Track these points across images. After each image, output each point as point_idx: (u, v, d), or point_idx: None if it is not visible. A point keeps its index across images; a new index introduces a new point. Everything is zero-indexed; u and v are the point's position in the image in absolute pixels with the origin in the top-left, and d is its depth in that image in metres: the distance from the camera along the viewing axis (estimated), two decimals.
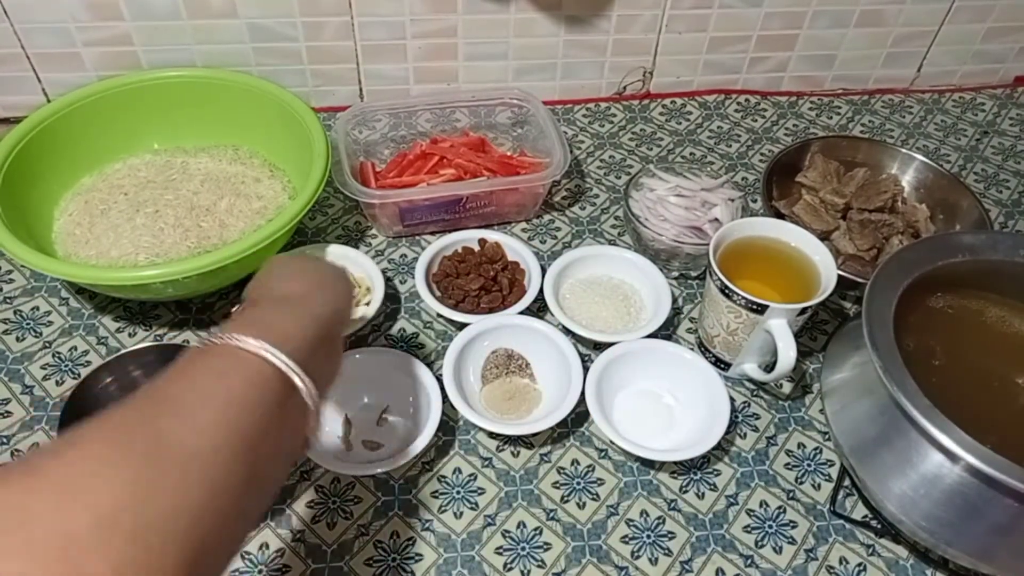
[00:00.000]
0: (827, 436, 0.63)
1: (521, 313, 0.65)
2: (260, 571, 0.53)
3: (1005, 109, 0.97)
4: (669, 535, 0.56)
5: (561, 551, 0.55)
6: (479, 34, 0.86)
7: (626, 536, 0.56)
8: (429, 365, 0.62)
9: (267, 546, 0.54)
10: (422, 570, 0.54)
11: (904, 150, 0.80)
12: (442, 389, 0.60)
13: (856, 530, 0.57)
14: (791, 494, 0.59)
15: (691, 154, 0.88)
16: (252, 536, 0.55)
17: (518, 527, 0.56)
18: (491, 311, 0.66)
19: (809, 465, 0.61)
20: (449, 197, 0.73)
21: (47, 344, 0.66)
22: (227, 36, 0.82)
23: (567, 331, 0.65)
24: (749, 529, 0.57)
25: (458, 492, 0.58)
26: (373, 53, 0.86)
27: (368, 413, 0.62)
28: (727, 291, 0.58)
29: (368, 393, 0.62)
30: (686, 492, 0.59)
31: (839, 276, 0.59)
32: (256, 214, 0.72)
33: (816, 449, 0.62)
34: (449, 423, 0.62)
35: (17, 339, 0.67)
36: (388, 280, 0.72)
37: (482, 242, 0.72)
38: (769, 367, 0.60)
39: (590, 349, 0.67)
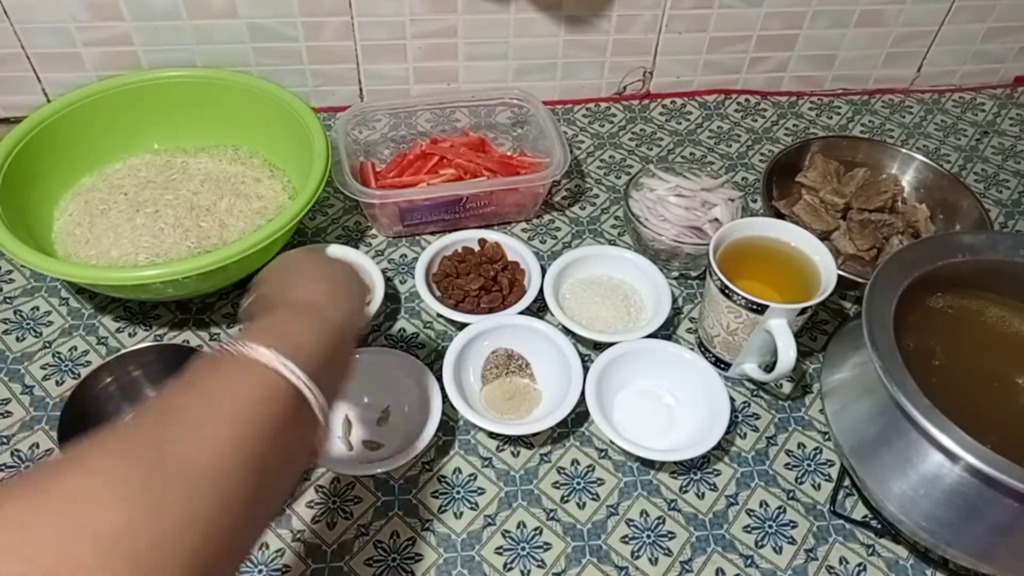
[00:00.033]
0: (827, 436, 0.63)
1: (521, 313, 0.65)
2: (260, 571, 0.53)
3: (1005, 109, 0.97)
4: (669, 535, 0.56)
5: (561, 551, 0.55)
6: (479, 34, 0.86)
7: (626, 536, 0.56)
8: (429, 365, 0.62)
9: (267, 546, 0.54)
10: (422, 570, 0.54)
11: (904, 150, 0.80)
12: (442, 389, 0.60)
13: (856, 530, 0.57)
14: (791, 494, 0.59)
15: (691, 154, 0.88)
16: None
17: (518, 527, 0.56)
18: (491, 311, 0.66)
19: (809, 465, 0.61)
20: (449, 197, 0.73)
21: (47, 344, 0.66)
22: (227, 36, 0.82)
23: (567, 331, 0.65)
24: (749, 529, 0.57)
25: (458, 492, 0.58)
26: (373, 53, 0.86)
27: (368, 413, 0.62)
28: (727, 291, 0.58)
29: (368, 393, 0.62)
30: (686, 492, 0.59)
31: (839, 276, 0.59)
32: (256, 214, 0.72)
33: (816, 449, 0.62)
34: (449, 423, 0.62)
35: (17, 339, 0.67)
36: (388, 280, 0.72)
37: (482, 242, 0.72)
38: (769, 367, 0.60)
39: (590, 349, 0.67)
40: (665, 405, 0.63)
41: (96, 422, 0.56)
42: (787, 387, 0.66)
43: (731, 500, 0.58)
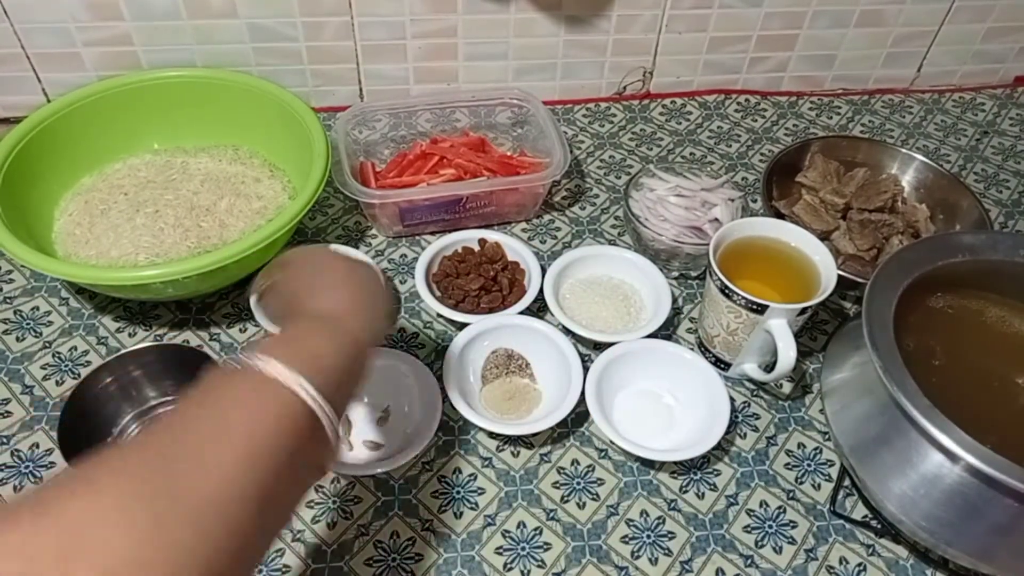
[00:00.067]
0: (827, 436, 0.63)
1: (521, 313, 0.65)
2: (260, 571, 0.53)
3: (1005, 109, 0.97)
4: (669, 535, 0.56)
5: (561, 551, 0.55)
6: (479, 34, 0.86)
7: (626, 536, 0.56)
8: (429, 365, 0.62)
9: None
10: (422, 570, 0.54)
11: (904, 150, 0.80)
12: (442, 389, 0.60)
13: (856, 530, 0.57)
14: (791, 494, 0.59)
15: (691, 154, 0.88)
16: None
17: (518, 527, 0.56)
18: (491, 311, 0.66)
19: (809, 465, 0.61)
20: (449, 197, 0.73)
21: (47, 344, 0.66)
22: (227, 36, 0.82)
23: (567, 331, 0.65)
24: (749, 529, 0.57)
25: (458, 492, 0.58)
26: (373, 53, 0.86)
27: (368, 413, 0.62)
28: (727, 291, 0.58)
29: (368, 393, 0.62)
30: (686, 492, 0.59)
31: (839, 276, 0.59)
32: (256, 214, 0.72)
33: (816, 449, 0.62)
34: (449, 423, 0.62)
35: (17, 339, 0.67)
36: (388, 280, 0.72)
37: (482, 242, 0.72)
38: (769, 367, 0.60)
39: (590, 349, 0.67)
40: (665, 405, 0.63)
41: (96, 422, 0.56)
42: (787, 387, 0.66)
43: (731, 500, 0.58)
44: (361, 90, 0.90)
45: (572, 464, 0.60)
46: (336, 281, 0.46)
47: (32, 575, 0.26)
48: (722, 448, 0.61)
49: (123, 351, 0.58)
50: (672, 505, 0.58)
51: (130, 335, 0.67)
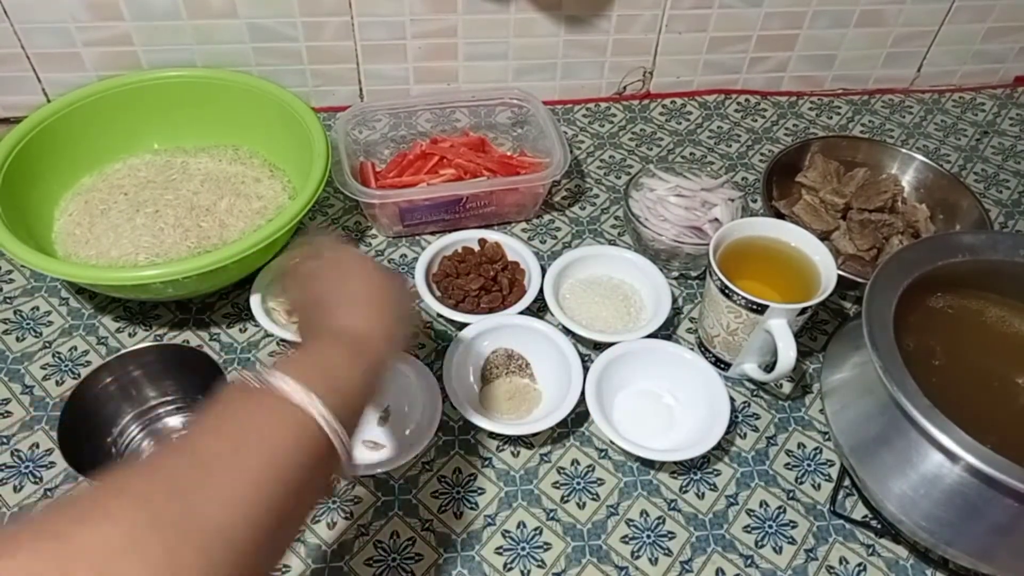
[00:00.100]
0: (827, 436, 0.63)
1: (521, 313, 0.65)
2: None
3: (1005, 109, 0.97)
4: (669, 535, 0.56)
5: (561, 551, 0.55)
6: (479, 34, 0.86)
7: (626, 536, 0.56)
8: (429, 365, 0.62)
9: None
10: (422, 570, 0.54)
11: (904, 150, 0.80)
12: (442, 389, 0.60)
13: (856, 530, 0.57)
14: (791, 494, 0.59)
15: (691, 154, 0.88)
16: None
17: (518, 527, 0.56)
18: (491, 311, 0.66)
19: (809, 465, 0.61)
20: (449, 197, 0.73)
21: (47, 344, 0.66)
22: (227, 36, 0.82)
23: (567, 331, 0.65)
24: (749, 529, 0.57)
25: (458, 492, 0.58)
26: (373, 53, 0.86)
27: (368, 413, 0.62)
28: (727, 291, 0.58)
29: None
30: (686, 492, 0.59)
31: (839, 276, 0.59)
32: (256, 214, 0.72)
33: (816, 449, 0.62)
34: (449, 423, 0.62)
35: (17, 339, 0.67)
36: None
37: (482, 242, 0.72)
38: (769, 367, 0.60)
39: (590, 349, 0.67)
40: (665, 405, 0.63)
41: (96, 422, 0.56)
42: (787, 387, 0.66)
43: (731, 500, 0.58)
44: (361, 90, 0.90)
45: (572, 464, 0.60)
46: (367, 296, 0.46)
47: None
48: (722, 448, 0.61)
49: (123, 351, 0.58)
50: (672, 505, 0.58)
51: (130, 335, 0.67)
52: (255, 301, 0.65)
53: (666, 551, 0.55)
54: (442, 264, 0.71)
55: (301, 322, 0.49)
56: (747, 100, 0.96)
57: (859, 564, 0.55)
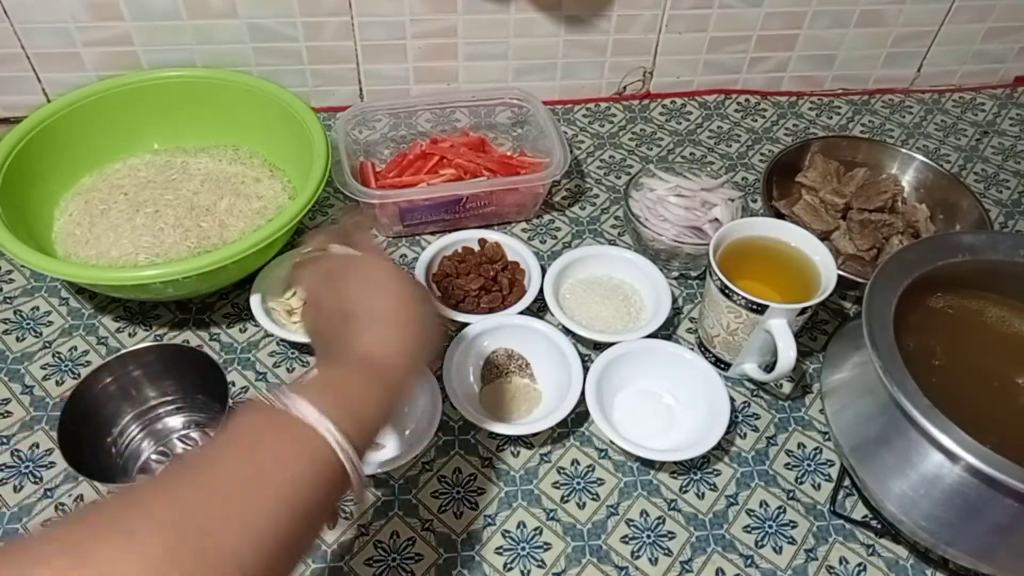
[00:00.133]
0: (827, 436, 0.63)
1: (521, 313, 0.65)
2: None
3: (1005, 109, 0.97)
4: (669, 535, 0.56)
5: (561, 551, 0.55)
6: (479, 34, 0.86)
7: (626, 536, 0.56)
8: (429, 365, 0.62)
9: None
10: (422, 570, 0.54)
11: (904, 150, 0.80)
12: (442, 389, 0.60)
13: (856, 530, 0.57)
14: (791, 494, 0.59)
15: (691, 154, 0.88)
16: None
17: (518, 527, 0.56)
18: (491, 311, 0.66)
19: (809, 465, 0.61)
20: (449, 197, 0.73)
21: (47, 344, 0.66)
22: (227, 36, 0.82)
23: (567, 331, 0.65)
24: (749, 529, 0.57)
25: (459, 492, 0.58)
26: (373, 53, 0.86)
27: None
28: (727, 291, 0.58)
29: None
30: (686, 492, 0.59)
31: (839, 276, 0.59)
32: (256, 214, 0.72)
33: (816, 449, 0.62)
34: (449, 423, 0.62)
35: (17, 339, 0.67)
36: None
37: (482, 242, 0.72)
38: (769, 367, 0.60)
39: (590, 349, 0.67)
40: (665, 405, 0.63)
41: (96, 422, 0.56)
42: (787, 387, 0.66)
43: (731, 500, 0.58)
44: (361, 90, 0.90)
45: (572, 464, 0.60)
46: (392, 314, 0.44)
47: None
48: (722, 448, 0.61)
49: (123, 351, 0.58)
50: (672, 505, 0.58)
51: (130, 335, 0.67)
52: (255, 301, 0.65)
53: (666, 551, 0.55)
54: (442, 264, 0.71)
55: (318, 326, 0.47)
56: (747, 100, 0.96)
57: (859, 564, 0.55)
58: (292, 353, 0.67)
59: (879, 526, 0.56)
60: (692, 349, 0.66)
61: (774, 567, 0.55)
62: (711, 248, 0.60)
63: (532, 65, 0.90)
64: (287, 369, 0.65)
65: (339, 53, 0.86)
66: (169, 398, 0.60)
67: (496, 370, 0.64)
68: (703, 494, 0.59)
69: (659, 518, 0.57)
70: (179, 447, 0.59)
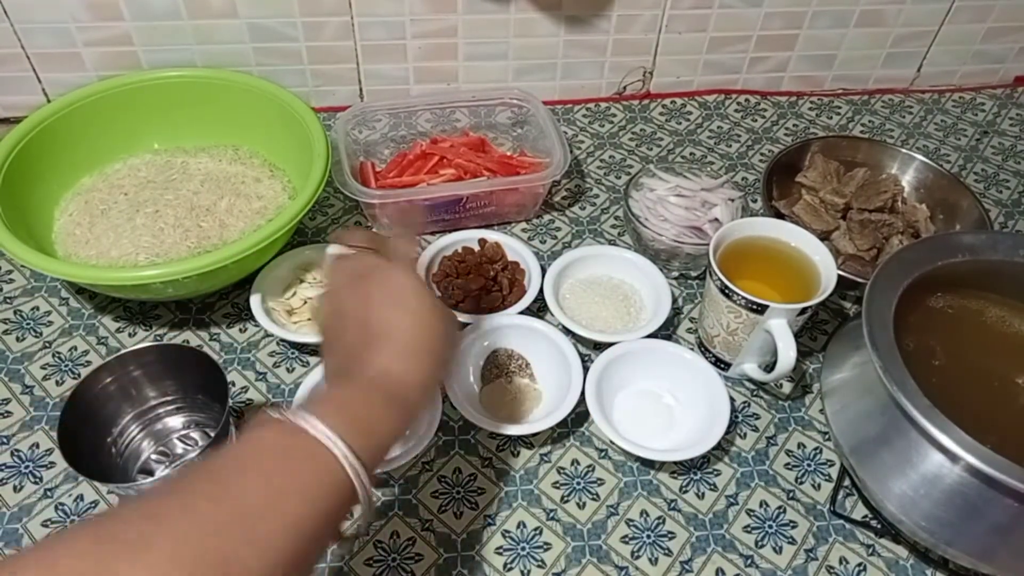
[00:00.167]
0: (827, 436, 0.63)
1: (521, 313, 0.65)
2: None
3: (1005, 109, 0.97)
4: (669, 535, 0.56)
5: (561, 551, 0.55)
6: (479, 34, 0.86)
7: (626, 536, 0.56)
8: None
9: None
10: (422, 570, 0.54)
11: (904, 150, 0.80)
12: (442, 389, 0.60)
13: (856, 530, 0.57)
14: (791, 494, 0.59)
15: (691, 154, 0.88)
16: None
17: (518, 527, 0.56)
18: (491, 311, 0.66)
19: (809, 465, 0.61)
20: (449, 197, 0.73)
21: (47, 344, 0.66)
22: (227, 36, 0.82)
23: (567, 331, 0.65)
24: (749, 529, 0.57)
25: (458, 492, 0.58)
26: (373, 53, 0.86)
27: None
28: (727, 291, 0.58)
29: None
30: (686, 492, 0.59)
31: (839, 276, 0.59)
32: (256, 214, 0.72)
33: (816, 449, 0.62)
34: (449, 423, 0.62)
35: (17, 339, 0.67)
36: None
37: (482, 242, 0.72)
38: (769, 367, 0.60)
39: (590, 349, 0.67)
40: (665, 405, 0.63)
41: (96, 422, 0.56)
42: (787, 387, 0.66)
43: (731, 500, 0.58)
44: (361, 90, 0.90)
45: (572, 464, 0.60)
46: (414, 338, 0.44)
47: None
48: (722, 448, 0.61)
49: (123, 351, 0.58)
50: (672, 505, 0.58)
51: (130, 335, 0.67)
52: (255, 301, 0.65)
53: (666, 551, 0.55)
54: (442, 264, 0.71)
55: (333, 327, 0.47)
56: (747, 100, 0.96)
57: (859, 564, 0.55)
58: (292, 353, 0.67)
59: (879, 526, 0.56)
60: (692, 349, 0.66)
61: (774, 567, 0.55)
62: (711, 248, 0.60)
63: (532, 65, 0.90)
64: (287, 369, 0.65)
65: (339, 53, 0.86)
66: (169, 398, 0.60)
67: (496, 370, 0.64)
68: (703, 494, 0.59)
69: (659, 518, 0.57)
70: (179, 447, 0.59)
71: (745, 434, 0.62)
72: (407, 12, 0.83)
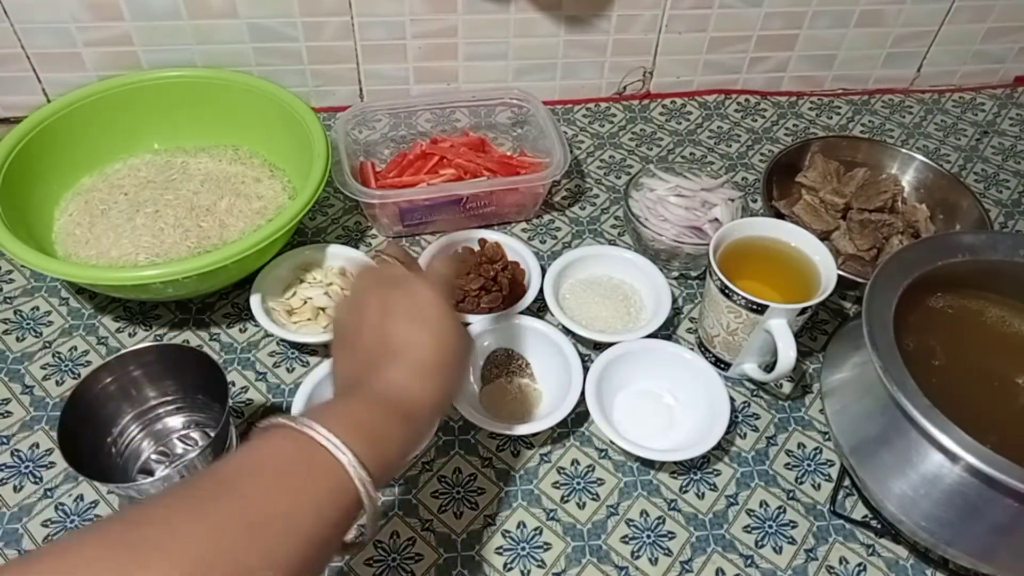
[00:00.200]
0: (827, 436, 0.63)
1: (521, 313, 0.65)
2: None
3: (1005, 109, 0.97)
4: (669, 535, 0.56)
5: (561, 551, 0.55)
6: (479, 34, 0.86)
7: (626, 536, 0.56)
8: None
9: None
10: (422, 570, 0.54)
11: (904, 150, 0.80)
12: None
13: (856, 530, 0.57)
14: (791, 494, 0.59)
15: (691, 154, 0.88)
16: None
17: (518, 527, 0.56)
18: (491, 311, 0.66)
19: (809, 465, 0.61)
20: (449, 197, 0.73)
21: (47, 344, 0.66)
22: (227, 36, 0.82)
23: (567, 331, 0.65)
24: (749, 529, 0.57)
25: (459, 492, 0.58)
26: (373, 53, 0.86)
27: None
28: (727, 291, 0.58)
29: None
30: (686, 492, 0.59)
31: (839, 276, 0.59)
32: (256, 214, 0.72)
33: (816, 449, 0.62)
34: (449, 423, 0.62)
35: (17, 339, 0.67)
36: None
37: (482, 242, 0.72)
38: (769, 367, 0.60)
39: (590, 349, 0.67)
40: (665, 405, 0.63)
41: (96, 422, 0.56)
42: (787, 387, 0.66)
43: (731, 500, 0.58)
44: (361, 90, 0.90)
45: (572, 464, 0.60)
46: (435, 358, 0.44)
47: None
48: (722, 448, 0.61)
49: (123, 351, 0.58)
50: (672, 505, 0.58)
51: (130, 335, 0.67)
52: (255, 301, 0.65)
53: (666, 551, 0.55)
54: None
55: (352, 334, 0.46)
56: (747, 100, 0.96)
57: (859, 564, 0.55)
58: (292, 353, 0.67)
59: (879, 526, 0.56)
60: (692, 349, 0.66)
61: (774, 567, 0.55)
62: (711, 248, 0.60)
63: (532, 65, 0.90)
64: (287, 369, 0.65)
65: (339, 53, 0.86)
66: (169, 398, 0.60)
67: (496, 370, 0.64)
68: (703, 494, 0.59)
69: (659, 518, 0.57)
70: (179, 447, 0.59)
71: (745, 434, 0.62)
72: (407, 12, 0.83)
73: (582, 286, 0.70)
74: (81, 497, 0.57)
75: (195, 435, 0.60)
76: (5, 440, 0.60)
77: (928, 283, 0.57)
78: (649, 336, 0.64)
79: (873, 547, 0.56)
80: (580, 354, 0.62)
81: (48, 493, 0.57)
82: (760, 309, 0.57)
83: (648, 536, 0.56)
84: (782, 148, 0.79)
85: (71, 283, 0.70)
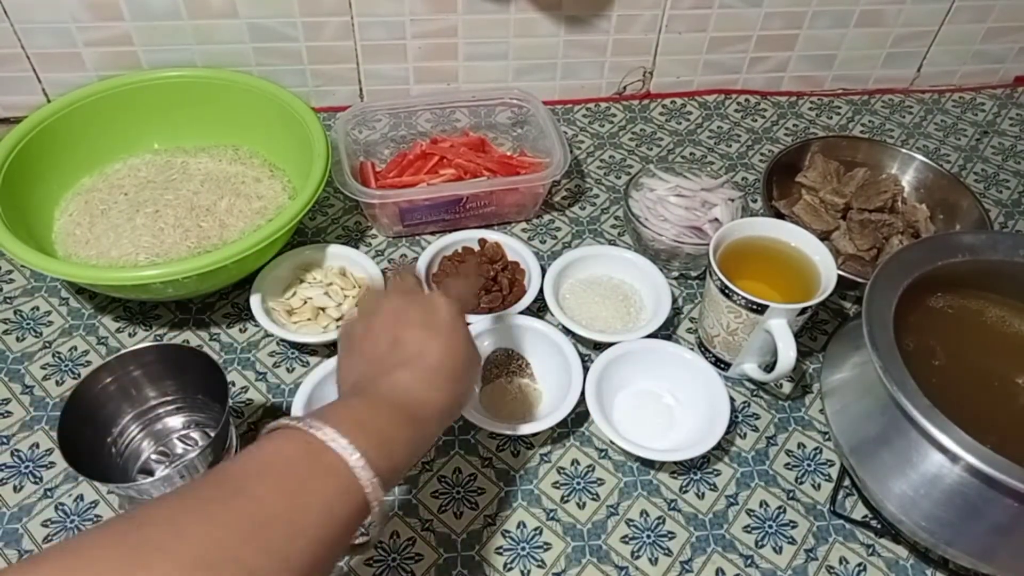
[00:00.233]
0: (827, 436, 0.63)
1: (521, 313, 0.65)
2: None
3: (1005, 109, 0.97)
4: (669, 535, 0.56)
5: (561, 551, 0.55)
6: (479, 34, 0.86)
7: (626, 536, 0.56)
8: None
9: None
10: (422, 570, 0.54)
11: (904, 150, 0.80)
12: None
13: (856, 530, 0.57)
14: (791, 494, 0.59)
15: (691, 154, 0.88)
16: None
17: (518, 527, 0.56)
18: (491, 311, 0.66)
19: (809, 465, 0.61)
20: (449, 197, 0.73)
21: (47, 344, 0.66)
22: (227, 36, 0.82)
23: (567, 331, 0.65)
24: (749, 529, 0.57)
25: (459, 492, 0.58)
26: (373, 53, 0.86)
27: None
28: (727, 291, 0.58)
29: None
30: (686, 492, 0.59)
31: (839, 276, 0.59)
32: (256, 214, 0.72)
33: (816, 449, 0.62)
34: None
35: (17, 339, 0.67)
36: (388, 280, 0.72)
37: (482, 242, 0.72)
38: (769, 367, 0.60)
39: (590, 349, 0.67)
40: (665, 405, 0.63)
41: (96, 422, 0.56)
42: (787, 387, 0.66)
43: (731, 500, 0.58)
44: (361, 90, 0.90)
45: (572, 464, 0.60)
46: (447, 370, 0.44)
47: None
48: (722, 448, 0.61)
49: (123, 351, 0.58)
50: (672, 505, 0.58)
51: (130, 335, 0.67)
52: (255, 301, 0.65)
53: (666, 551, 0.55)
54: (442, 264, 0.71)
55: (366, 336, 0.47)
56: (747, 100, 0.96)
57: (859, 564, 0.55)
58: (292, 353, 0.67)
59: (879, 526, 0.56)
60: (692, 349, 0.66)
61: (774, 567, 0.55)
62: (711, 248, 0.60)
63: (532, 65, 0.90)
64: (287, 369, 0.65)
65: (339, 53, 0.86)
66: (169, 398, 0.60)
67: (496, 370, 0.64)
68: (703, 494, 0.59)
69: (659, 518, 0.57)
70: (179, 447, 0.59)
71: (745, 434, 0.62)
72: (407, 12, 0.83)
73: (582, 286, 0.70)
74: (81, 497, 0.57)
75: (195, 435, 0.60)
76: (5, 440, 0.60)
77: (928, 283, 0.57)
78: (649, 336, 0.64)
79: (873, 547, 0.56)
80: (580, 354, 0.62)
81: (48, 493, 0.57)
82: (760, 309, 0.57)
83: (648, 536, 0.56)
84: (782, 148, 0.79)
85: (71, 283, 0.70)
